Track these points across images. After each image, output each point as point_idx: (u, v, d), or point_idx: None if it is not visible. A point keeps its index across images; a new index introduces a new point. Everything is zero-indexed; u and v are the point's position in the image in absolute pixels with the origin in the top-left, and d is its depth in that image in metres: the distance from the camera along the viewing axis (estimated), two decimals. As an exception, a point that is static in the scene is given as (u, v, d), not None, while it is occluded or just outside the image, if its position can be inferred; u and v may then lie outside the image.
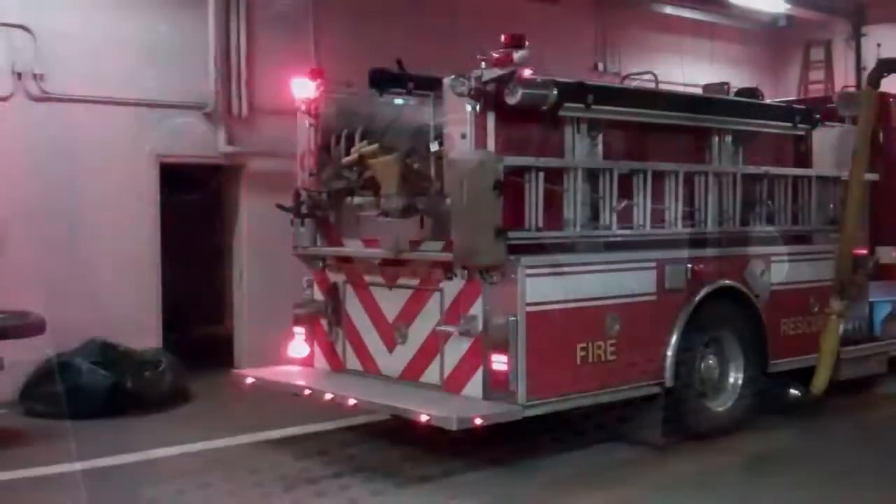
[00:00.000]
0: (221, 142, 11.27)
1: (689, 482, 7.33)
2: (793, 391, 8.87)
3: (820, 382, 8.83)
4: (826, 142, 9.77)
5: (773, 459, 7.88)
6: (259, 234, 11.33)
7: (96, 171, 10.38)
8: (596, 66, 14.95)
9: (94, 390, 9.43)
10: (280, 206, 8.50)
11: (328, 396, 7.63)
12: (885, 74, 9.29)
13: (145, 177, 10.77)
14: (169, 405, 9.77)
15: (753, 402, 8.71)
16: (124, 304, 10.42)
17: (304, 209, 8.40)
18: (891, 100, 10.36)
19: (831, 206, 9.56)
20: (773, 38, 17.78)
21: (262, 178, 11.32)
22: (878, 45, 15.97)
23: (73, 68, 10.26)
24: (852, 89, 11.58)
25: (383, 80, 8.52)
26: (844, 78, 16.54)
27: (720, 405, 8.47)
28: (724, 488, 7.20)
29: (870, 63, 11.47)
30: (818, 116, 9.61)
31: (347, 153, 8.15)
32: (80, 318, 9.90)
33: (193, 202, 12.38)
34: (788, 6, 15.89)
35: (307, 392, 7.83)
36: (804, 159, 9.61)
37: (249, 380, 8.32)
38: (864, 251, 9.82)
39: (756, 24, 17.12)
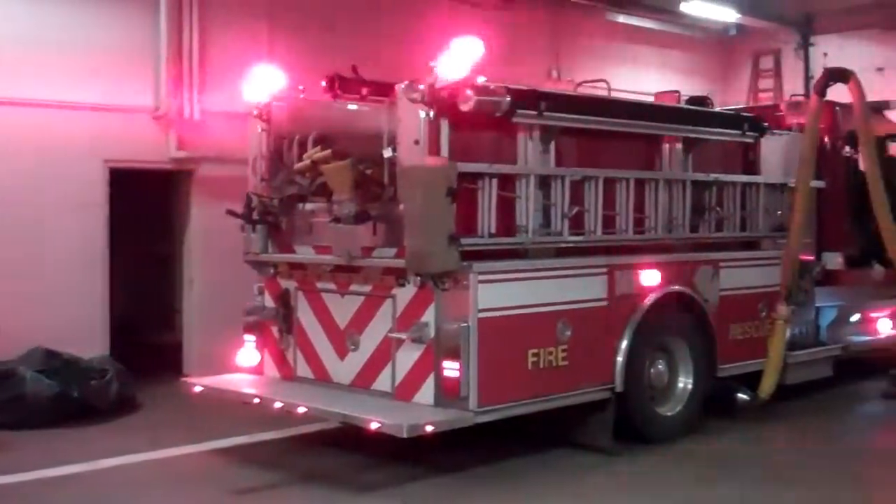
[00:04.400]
0: (172, 146, 11.16)
1: (640, 487, 7.38)
2: (741, 395, 8.99)
3: (767, 386, 8.98)
4: (774, 149, 9.91)
5: (721, 463, 7.95)
6: (210, 240, 11.22)
7: (43, 175, 10.22)
8: (550, 74, 15.01)
9: (38, 399, 9.22)
10: (231, 212, 8.43)
11: (278, 405, 7.57)
12: (831, 83, 9.48)
13: (94, 181, 10.62)
14: (116, 414, 9.60)
15: (702, 406, 8.79)
16: (70, 311, 10.27)
17: (255, 215, 8.35)
18: (837, 108, 10.51)
19: (779, 212, 9.69)
20: (723, 47, 18.00)
21: (213, 183, 11.21)
22: (825, 54, 16.27)
23: (20, 71, 10.09)
24: (800, 98, 11.72)
25: (337, 85, 8.47)
26: (793, 86, 16.79)
27: (670, 410, 8.54)
28: (674, 492, 7.26)
29: (818, 72, 11.67)
30: (766, 124, 9.73)
31: (300, 159, 8.10)
32: (24, 325, 9.73)
33: (143, 207, 12.24)
34: (739, 16, 16.10)
35: (256, 400, 7.77)
36: (753, 166, 9.73)
37: (198, 388, 8.22)
38: (811, 257, 9.99)
39: (707, 33, 17.32)
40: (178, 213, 11.82)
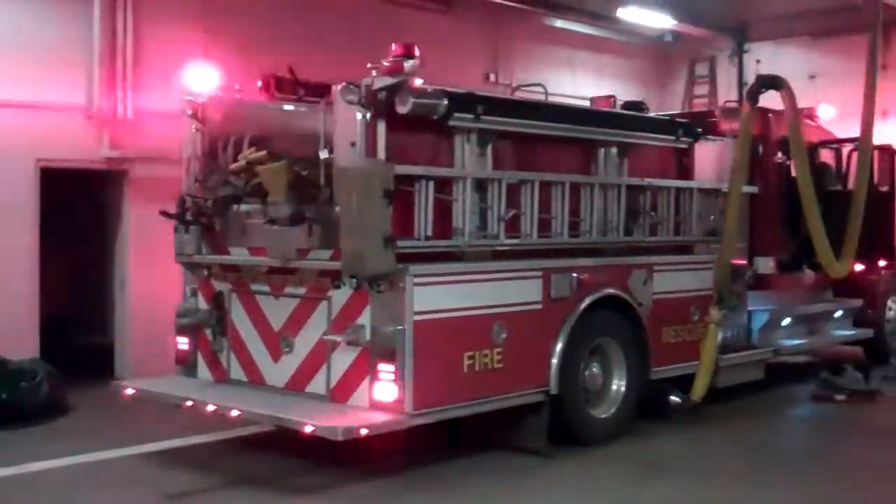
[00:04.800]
0: (105, 146, 10.98)
1: (574, 489, 7.43)
2: (673, 398, 9.10)
3: (699, 389, 9.09)
4: (708, 155, 10.05)
5: (654, 465, 8.04)
6: (143, 240, 11.06)
7: (-29, 174, 10.01)
8: (488, 77, 15.07)
9: (-35, 402, 9.06)
10: (164, 213, 8.32)
11: (211, 407, 7.48)
12: (764, 90, 9.64)
13: (25, 180, 10.41)
14: (46, 418, 9.41)
15: (635, 408, 8.88)
16: (0, 312, 10.05)
17: (188, 216, 8.25)
18: (769, 115, 10.70)
19: (712, 217, 9.82)
20: (659, 53, 18.22)
21: (147, 183, 11.06)
22: (758, 61, 16.56)
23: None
24: (733, 104, 11.91)
25: (274, 85, 8.41)
26: (727, 93, 17.05)
27: (603, 412, 8.61)
28: (608, 495, 7.32)
29: (751, 79, 11.86)
30: (700, 130, 9.85)
31: (235, 159, 8.02)
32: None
33: (75, 207, 12.05)
34: (675, 22, 16.30)
35: (189, 403, 7.66)
36: (686, 171, 9.85)
37: (130, 391, 8.11)
38: (743, 261, 10.15)
39: (643, 39, 17.51)
40: (111, 212, 11.63)
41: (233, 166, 7.99)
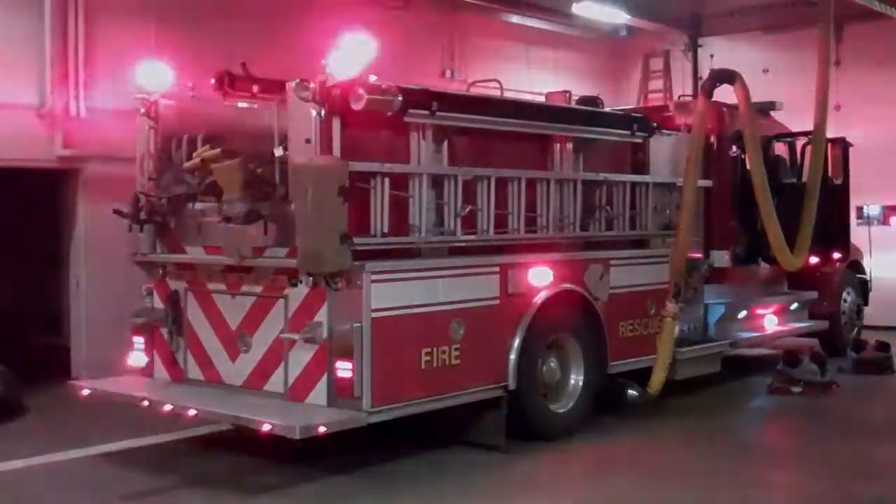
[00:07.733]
0: (58, 145, 10.84)
1: (532, 484, 7.46)
2: (631, 392, 9.13)
3: (656, 382, 9.16)
4: (663, 149, 10.12)
5: (612, 460, 8.09)
6: (98, 240, 10.94)
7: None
8: (444, 73, 15.08)
9: (-82, 405, 8.93)
10: (118, 212, 8.25)
11: (167, 407, 7.44)
12: (718, 84, 9.71)
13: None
14: (1, 419, 9.29)
15: (593, 403, 8.93)
16: (-49, 315, 9.93)
17: (142, 215, 8.18)
18: (723, 109, 10.79)
19: (667, 211, 9.89)
20: (614, 48, 18.30)
21: (101, 182, 10.92)
22: (711, 56, 16.71)
23: None
24: (688, 98, 12.00)
25: (227, 83, 8.34)
26: (682, 87, 17.18)
27: (561, 407, 8.64)
28: (564, 490, 7.35)
29: (705, 73, 11.97)
30: (655, 125, 9.91)
31: (189, 157, 7.96)
32: None
33: (28, 207, 11.89)
34: (629, 17, 16.39)
35: (146, 403, 7.61)
36: (642, 166, 9.90)
37: (86, 391, 8.05)
38: (699, 255, 10.24)
39: (598, 34, 17.59)
40: (66, 213, 11.50)
41: (187, 164, 7.94)
